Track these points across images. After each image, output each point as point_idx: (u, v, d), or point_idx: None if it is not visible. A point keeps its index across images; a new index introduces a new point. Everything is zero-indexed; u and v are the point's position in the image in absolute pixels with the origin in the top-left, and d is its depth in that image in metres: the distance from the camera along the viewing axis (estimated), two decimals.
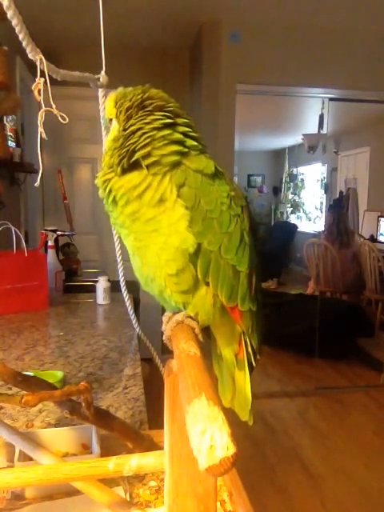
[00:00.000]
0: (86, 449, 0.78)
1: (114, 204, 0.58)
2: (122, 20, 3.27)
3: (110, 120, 0.63)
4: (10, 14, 0.60)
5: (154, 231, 0.57)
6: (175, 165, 0.57)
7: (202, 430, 0.32)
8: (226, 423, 0.33)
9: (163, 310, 0.66)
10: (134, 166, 0.57)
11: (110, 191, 0.58)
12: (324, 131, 5.19)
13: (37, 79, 0.66)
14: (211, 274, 0.58)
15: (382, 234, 5.30)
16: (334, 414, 3.21)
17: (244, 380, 0.68)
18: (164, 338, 0.59)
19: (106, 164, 0.60)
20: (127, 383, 1.14)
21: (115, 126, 0.61)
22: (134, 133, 0.58)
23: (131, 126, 0.59)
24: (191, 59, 3.99)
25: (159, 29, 3.57)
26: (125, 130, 0.59)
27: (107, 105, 0.62)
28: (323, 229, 4.88)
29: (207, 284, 0.59)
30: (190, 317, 0.59)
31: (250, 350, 0.68)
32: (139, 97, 0.59)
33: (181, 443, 0.48)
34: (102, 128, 0.86)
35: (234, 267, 0.60)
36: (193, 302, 0.60)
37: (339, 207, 4.55)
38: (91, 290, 2.10)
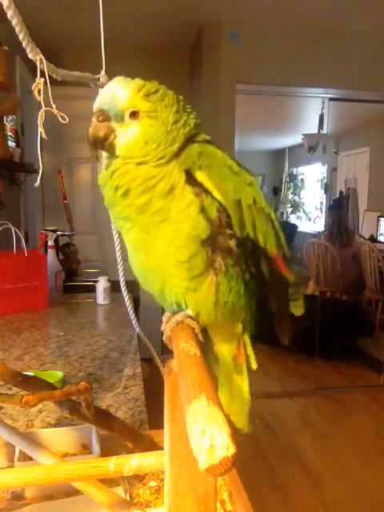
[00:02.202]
0: (86, 449, 0.78)
1: (125, 196, 0.57)
2: (122, 20, 3.27)
3: (133, 113, 0.56)
4: (10, 14, 0.60)
5: (163, 221, 0.56)
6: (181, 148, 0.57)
7: (202, 429, 0.32)
8: (226, 423, 0.33)
9: (163, 310, 0.65)
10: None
11: (119, 184, 0.57)
12: (324, 131, 5.19)
13: (37, 79, 0.66)
14: (258, 228, 0.59)
15: (382, 234, 5.31)
16: (334, 414, 3.21)
17: (242, 383, 0.67)
18: (164, 338, 0.59)
19: (124, 156, 0.57)
20: (127, 383, 1.14)
21: (143, 121, 0.56)
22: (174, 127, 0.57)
23: (177, 122, 0.57)
24: (191, 59, 3.99)
25: (159, 29, 3.57)
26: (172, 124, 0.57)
27: (129, 94, 0.55)
28: (323, 229, 4.88)
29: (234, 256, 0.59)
30: (190, 317, 0.59)
31: (249, 351, 0.67)
32: (173, 94, 0.59)
33: (181, 443, 0.48)
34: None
35: (269, 215, 0.61)
36: (195, 300, 0.59)
37: (339, 207, 4.54)
38: (91, 289, 2.10)
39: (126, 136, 0.57)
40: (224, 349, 0.67)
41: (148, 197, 0.56)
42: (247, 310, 0.65)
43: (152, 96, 0.57)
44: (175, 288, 0.60)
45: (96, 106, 0.57)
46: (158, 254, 0.58)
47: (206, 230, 0.57)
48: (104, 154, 0.62)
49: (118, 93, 0.56)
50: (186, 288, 0.59)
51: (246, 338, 0.68)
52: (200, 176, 0.57)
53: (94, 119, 0.56)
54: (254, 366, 0.68)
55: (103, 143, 0.57)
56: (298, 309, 0.67)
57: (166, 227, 0.57)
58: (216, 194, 0.57)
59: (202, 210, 0.56)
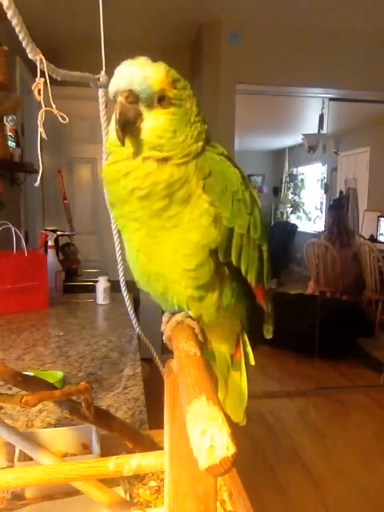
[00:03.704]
0: (86, 449, 0.78)
1: (143, 199, 0.53)
2: (122, 20, 3.27)
3: (160, 98, 0.52)
4: (10, 14, 0.60)
5: (174, 227, 0.55)
6: (198, 153, 0.55)
7: (202, 429, 0.32)
8: (226, 423, 0.33)
9: (163, 310, 0.65)
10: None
11: (139, 186, 0.53)
12: (324, 131, 5.19)
13: (37, 79, 0.66)
14: (243, 257, 0.58)
15: (382, 234, 5.30)
16: (334, 414, 3.21)
17: (240, 380, 0.68)
18: (164, 338, 0.58)
19: (152, 144, 0.52)
20: (127, 383, 1.14)
21: (170, 108, 0.53)
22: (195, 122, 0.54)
23: (195, 115, 0.55)
24: (191, 59, 3.99)
25: (159, 29, 3.57)
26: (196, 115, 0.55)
27: (161, 77, 0.51)
28: (323, 229, 4.88)
29: (224, 275, 0.59)
30: (190, 317, 0.59)
31: (248, 349, 0.68)
32: (189, 86, 0.56)
33: (181, 443, 0.48)
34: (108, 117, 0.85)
35: (260, 247, 0.60)
36: (197, 307, 0.59)
37: (339, 207, 4.54)
38: (91, 289, 2.10)
39: (155, 121, 0.52)
40: (222, 346, 0.68)
41: (167, 202, 0.53)
42: (245, 309, 0.65)
43: (178, 82, 0.54)
44: (178, 295, 0.59)
45: (122, 85, 0.51)
46: (163, 260, 0.57)
47: (216, 241, 0.55)
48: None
49: (149, 74, 0.51)
50: (190, 296, 0.58)
51: (244, 336, 0.68)
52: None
53: (121, 99, 0.51)
54: (252, 362, 0.68)
55: (132, 127, 0.52)
56: (268, 333, 0.68)
57: (176, 234, 0.55)
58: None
59: (215, 220, 0.55)
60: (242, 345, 0.68)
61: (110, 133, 0.56)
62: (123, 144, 0.51)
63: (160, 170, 0.52)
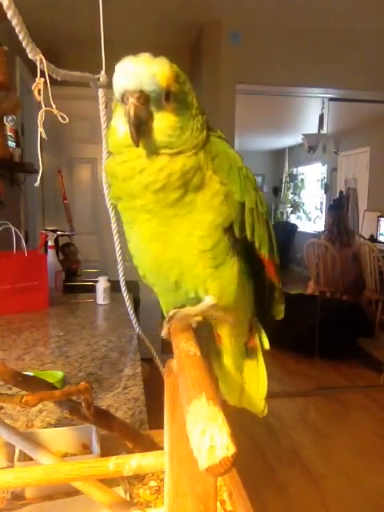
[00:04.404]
0: (86, 449, 0.78)
1: (158, 192, 0.53)
2: (122, 20, 3.27)
3: (167, 95, 0.52)
4: (10, 14, 0.60)
5: (188, 213, 0.56)
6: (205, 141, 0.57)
7: (202, 429, 0.32)
8: (226, 423, 0.33)
9: (162, 313, 0.65)
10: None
11: (155, 179, 0.53)
12: (324, 131, 5.19)
13: (37, 79, 0.66)
14: (256, 232, 0.60)
15: (382, 234, 5.30)
16: (334, 414, 3.21)
17: (258, 367, 0.69)
18: (162, 333, 0.57)
19: (163, 143, 0.53)
20: (127, 383, 1.14)
21: (173, 104, 0.53)
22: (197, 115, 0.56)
23: (198, 109, 0.56)
24: (191, 59, 3.99)
25: (159, 29, 3.57)
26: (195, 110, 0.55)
27: (167, 75, 0.51)
28: (323, 229, 4.88)
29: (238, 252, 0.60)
30: (196, 314, 0.59)
31: (262, 334, 0.69)
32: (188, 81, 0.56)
33: (181, 443, 0.48)
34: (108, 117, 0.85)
35: (267, 221, 0.62)
36: (218, 286, 0.59)
37: (339, 207, 4.54)
38: (91, 289, 2.10)
39: (164, 121, 0.52)
40: (237, 335, 0.68)
41: (182, 191, 0.54)
42: (252, 292, 0.66)
43: (180, 77, 0.54)
44: (195, 278, 0.59)
45: (132, 85, 0.50)
46: (179, 246, 0.57)
47: (229, 219, 0.57)
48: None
49: (157, 72, 0.50)
50: (209, 276, 0.58)
51: (257, 321, 0.69)
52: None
53: (133, 101, 0.50)
54: (267, 346, 0.69)
55: (145, 128, 0.51)
56: (279, 313, 0.70)
57: (191, 219, 0.56)
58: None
59: (226, 198, 0.57)
60: (255, 331, 0.69)
61: (114, 132, 0.55)
62: (138, 145, 0.51)
63: (173, 162, 0.53)
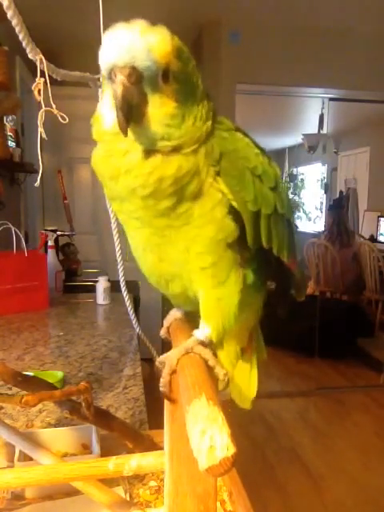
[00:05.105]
0: (86, 449, 0.78)
1: (147, 198, 0.45)
2: (121, 20, 3.27)
3: (165, 74, 0.42)
4: (10, 14, 0.60)
5: (184, 225, 0.47)
6: (208, 135, 0.47)
7: (202, 430, 0.32)
8: (226, 423, 0.33)
9: (163, 311, 0.64)
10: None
11: (143, 183, 0.44)
12: (324, 131, 5.19)
13: (37, 79, 0.66)
14: (274, 238, 0.51)
15: (382, 234, 5.30)
16: (334, 413, 3.21)
17: (250, 374, 0.65)
18: (161, 332, 0.52)
19: (159, 135, 0.43)
20: (127, 383, 1.14)
21: (174, 85, 0.43)
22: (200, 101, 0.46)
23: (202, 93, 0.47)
24: None
25: None
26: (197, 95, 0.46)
27: (166, 49, 0.41)
28: (323, 229, 4.87)
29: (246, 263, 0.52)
30: (203, 343, 0.49)
31: (260, 343, 0.65)
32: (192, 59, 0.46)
33: (181, 443, 0.48)
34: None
35: (289, 220, 0.54)
36: (217, 307, 0.51)
37: (339, 207, 4.54)
38: (91, 289, 2.10)
39: (161, 106, 0.43)
40: (233, 340, 0.62)
41: (176, 199, 0.46)
42: (261, 298, 0.60)
43: (182, 52, 0.44)
44: (196, 294, 0.52)
45: (122, 59, 0.40)
46: (175, 260, 0.50)
47: (234, 234, 0.48)
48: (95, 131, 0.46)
49: (154, 45, 0.41)
50: (211, 297, 0.51)
51: (258, 329, 0.65)
52: (219, 182, 0.47)
53: (122, 78, 0.40)
54: (265, 355, 0.66)
55: (137, 112, 0.42)
56: (300, 295, 0.62)
57: (187, 232, 0.48)
58: (233, 204, 0.48)
59: (230, 211, 0.48)
60: (254, 338, 0.64)
61: (99, 117, 0.46)
62: (126, 134, 0.42)
63: (166, 164, 0.44)
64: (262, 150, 0.52)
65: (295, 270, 0.57)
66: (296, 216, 7.30)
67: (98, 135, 0.47)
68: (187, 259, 0.49)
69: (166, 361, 0.47)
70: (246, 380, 0.66)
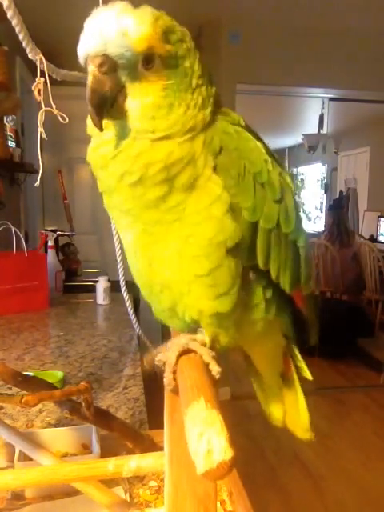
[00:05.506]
0: (86, 449, 0.78)
1: (134, 186, 0.41)
2: None
3: (148, 59, 0.38)
4: (10, 14, 0.60)
5: (176, 221, 0.42)
6: (207, 124, 0.43)
7: (200, 433, 0.32)
8: (225, 427, 0.33)
9: (163, 329, 0.56)
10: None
11: (128, 169, 0.41)
12: (324, 131, 5.19)
13: (37, 79, 0.66)
14: (272, 258, 0.45)
15: (382, 234, 5.30)
16: (334, 413, 3.20)
17: (296, 399, 0.60)
18: (165, 379, 0.45)
19: (143, 129, 0.40)
20: (127, 383, 1.14)
21: (161, 72, 0.39)
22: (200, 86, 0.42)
23: (201, 78, 0.43)
24: None
25: None
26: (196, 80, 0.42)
27: (145, 30, 0.37)
28: (323, 229, 4.87)
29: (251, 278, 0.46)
30: (202, 341, 0.46)
31: (300, 363, 0.59)
32: (192, 39, 0.42)
33: (180, 445, 0.48)
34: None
35: (294, 243, 0.48)
36: (215, 325, 0.46)
37: (339, 207, 4.54)
38: (91, 289, 2.10)
39: (144, 97, 0.39)
40: (266, 366, 0.57)
41: (166, 189, 0.41)
42: (288, 318, 0.53)
43: (172, 34, 0.40)
44: (190, 309, 0.45)
45: (93, 47, 0.37)
46: (166, 265, 0.44)
47: (235, 236, 0.42)
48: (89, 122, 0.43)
49: (130, 28, 0.37)
50: (208, 310, 0.44)
51: (293, 349, 0.58)
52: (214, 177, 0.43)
53: (93, 68, 0.37)
54: (309, 376, 0.60)
55: (111, 105, 0.39)
56: (312, 339, 0.58)
57: (179, 230, 0.43)
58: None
59: (232, 208, 0.42)
60: (291, 359, 0.59)
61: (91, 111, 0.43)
62: (101, 129, 0.39)
63: (155, 149, 0.40)
64: (276, 160, 0.47)
65: (302, 306, 0.51)
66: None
67: (90, 129, 0.45)
68: (180, 265, 0.43)
69: (166, 361, 0.45)
70: (295, 407, 0.62)
